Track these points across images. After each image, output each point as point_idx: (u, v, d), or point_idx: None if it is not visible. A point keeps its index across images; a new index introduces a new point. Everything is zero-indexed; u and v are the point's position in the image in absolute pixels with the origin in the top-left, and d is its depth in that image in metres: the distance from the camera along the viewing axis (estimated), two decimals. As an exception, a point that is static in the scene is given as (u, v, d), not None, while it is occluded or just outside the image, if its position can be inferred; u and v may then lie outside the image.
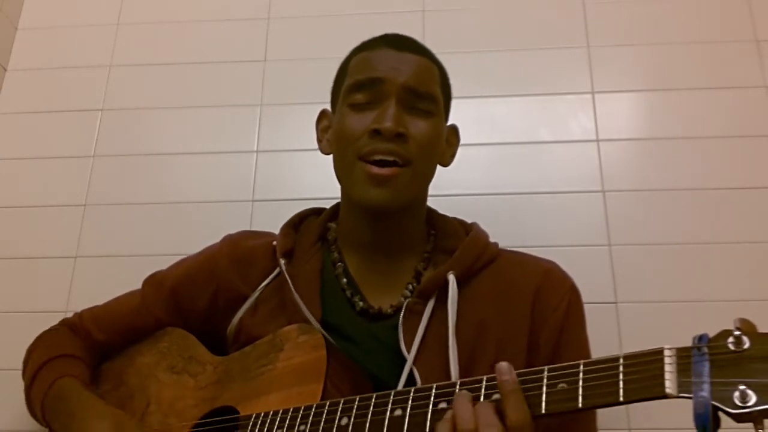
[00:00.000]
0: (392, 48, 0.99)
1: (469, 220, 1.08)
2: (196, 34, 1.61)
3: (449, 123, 1.07)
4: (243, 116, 1.52)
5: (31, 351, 1.13)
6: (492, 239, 1.05)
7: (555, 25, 1.52)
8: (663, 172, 1.38)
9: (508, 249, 1.05)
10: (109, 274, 1.40)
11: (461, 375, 0.88)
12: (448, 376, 0.88)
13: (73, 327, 1.14)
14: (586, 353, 0.97)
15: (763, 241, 1.32)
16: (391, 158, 0.93)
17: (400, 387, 0.87)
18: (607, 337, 1.27)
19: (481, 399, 0.72)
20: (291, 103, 1.51)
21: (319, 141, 1.07)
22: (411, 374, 0.89)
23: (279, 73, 1.55)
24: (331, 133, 1.03)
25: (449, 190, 1.37)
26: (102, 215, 1.46)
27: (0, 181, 1.51)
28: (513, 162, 1.42)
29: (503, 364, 0.71)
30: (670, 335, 1.31)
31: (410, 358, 0.89)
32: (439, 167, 1.04)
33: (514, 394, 0.69)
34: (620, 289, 1.31)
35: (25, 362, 1.13)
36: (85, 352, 1.11)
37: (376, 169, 0.93)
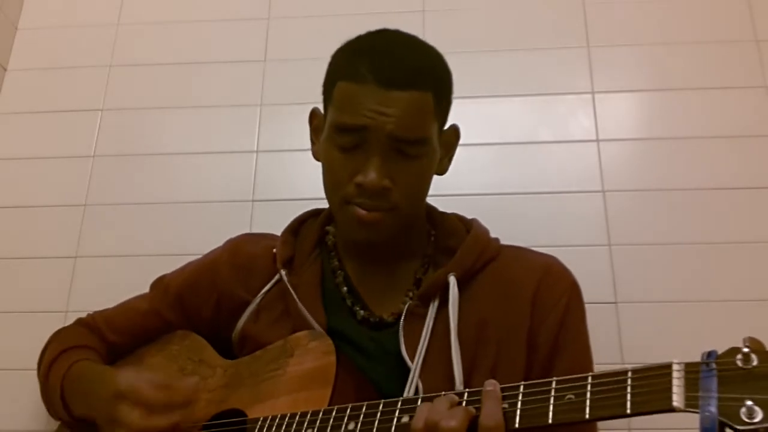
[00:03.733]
0: (380, 85, 0.89)
1: (474, 218, 1.07)
2: (196, 34, 1.61)
3: (450, 123, 1.03)
4: (243, 116, 1.52)
5: (46, 346, 1.14)
6: (492, 235, 1.04)
7: (555, 25, 1.52)
8: (663, 172, 1.38)
9: (509, 245, 1.04)
10: (109, 274, 1.40)
11: (463, 377, 0.88)
12: (450, 380, 0.88)
13: (87, 325, 1.15)
14: (585, 350, 0.97)
15: (763, 241, 1.32)
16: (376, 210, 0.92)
17: (403, 392, 0.88)
18: (607, 337, 1.27)
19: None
20: (291, 103, 1.51)
21: (312, 143, 1.04)
22: (412, 379, 0.88)
23: (279, 73, 1.55)
24: (319, 148, 1.00)
25: (449, 190, 1.37)
26: (102, 215, 1.46)
27: (0, 181, 1.51)
28: (513, 162, 1.42)
29: (491, 381, 0.75)
30: (670, 335, 1.31)
31: (415, 365, 0.89)
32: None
33: (491, 400, 0.73)
34: (620, 289, 1.31)
35: (41, 355, 1.13)
36: (99, 345, 1.12)
37: (361, 212, 0.91)
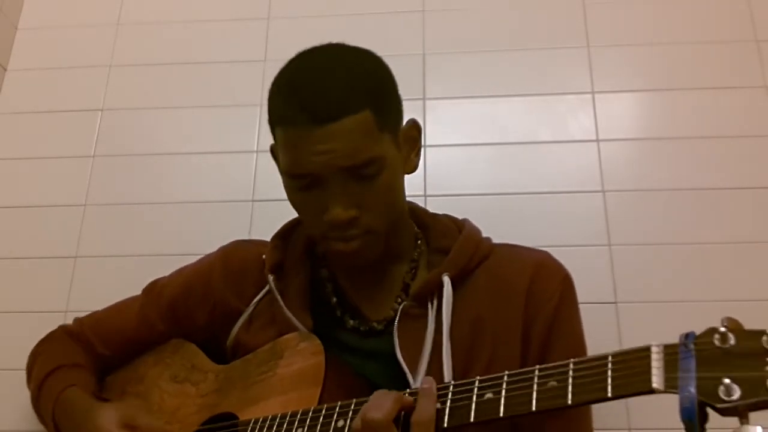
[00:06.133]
0: (313, 124, 0.86)
1: (465, 218, 1.07)
2: (196, 34, 1.61)
3: (407, 120, 0.99)
4: (243, 116, 1.52)
5: (32, 361, 1.14)
6: (492, 239, 1.04)
7: (555, 25, 1.52)
8: (663, 172, 1.38)
9: (501, 243, 1.04)
10: (109, 274, 1.40)
11: (457, 377, 0.88)
12: (443, 380, 0.88)
13: (73, 335, 1.14)
14: (579, 342, 0.97)
15: (763, 241, 1.32)
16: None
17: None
18: (607, 337, 1.26)
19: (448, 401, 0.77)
20: (291, 103, 1.51)
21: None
22: (407, 379, 0.89)
23: (279, 73, 1.55)
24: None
25: (450, 190, 1.37)
26: (102, 215, 1.46)
27: (0, 181, 1.51)
28: (513, 162, 1.42)
29: (428, 378, 0.80)
30: (670, 335, 1.30)
31: (410, 366, 0.90)
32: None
33: (426, 398, 0.76)
34: (620, 289, 1.31)
35: (29, 372, 1.13)
36: (88, 360, 1.12)
37: (339, 245, 0.92)
